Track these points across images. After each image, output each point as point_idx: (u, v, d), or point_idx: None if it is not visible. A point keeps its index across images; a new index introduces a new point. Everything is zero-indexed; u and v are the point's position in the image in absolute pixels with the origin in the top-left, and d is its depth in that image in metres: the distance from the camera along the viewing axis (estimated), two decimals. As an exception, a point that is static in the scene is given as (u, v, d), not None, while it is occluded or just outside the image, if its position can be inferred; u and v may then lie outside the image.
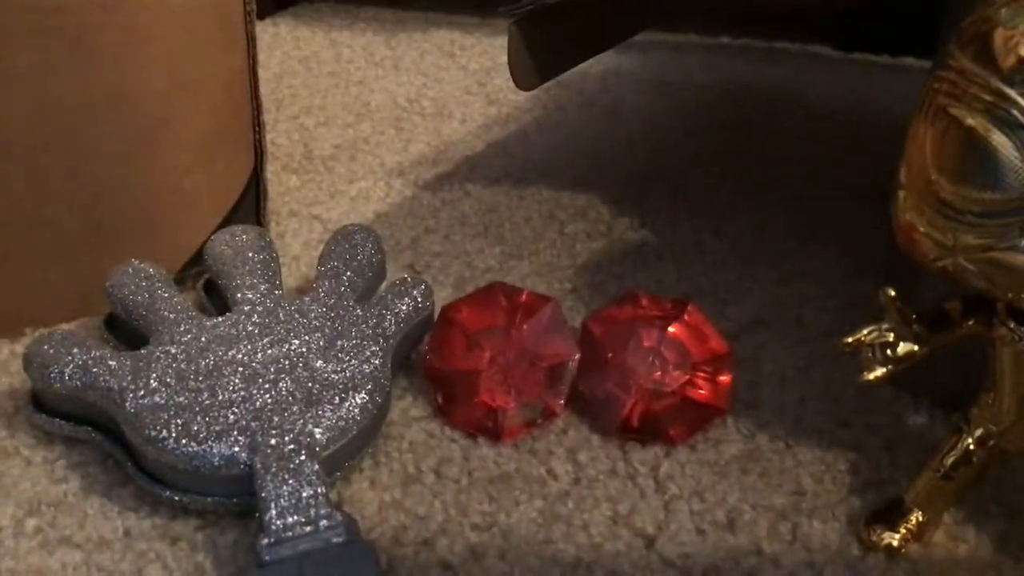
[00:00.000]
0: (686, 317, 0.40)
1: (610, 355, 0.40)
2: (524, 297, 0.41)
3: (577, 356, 0.40)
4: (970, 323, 0.32)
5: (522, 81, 0.47)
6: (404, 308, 0.41)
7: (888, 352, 0.31)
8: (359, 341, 0.38)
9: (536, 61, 0.47)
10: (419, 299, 0.41)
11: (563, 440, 0.39)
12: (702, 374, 0.40)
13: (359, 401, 0.36)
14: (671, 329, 0.40)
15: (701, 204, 0.57)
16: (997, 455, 0.33)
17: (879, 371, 0.31)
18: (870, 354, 0.31)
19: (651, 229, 0.55)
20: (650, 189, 0.59)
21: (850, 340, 0.31)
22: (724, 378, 0.40)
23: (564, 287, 0.49)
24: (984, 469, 0.34)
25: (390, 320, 0.40)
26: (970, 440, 0.33)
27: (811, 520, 0.35)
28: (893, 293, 0.31)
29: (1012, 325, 0.31)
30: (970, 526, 0.35)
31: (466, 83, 0.75)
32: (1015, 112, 0.26)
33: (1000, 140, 0.27)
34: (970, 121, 0.27)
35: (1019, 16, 0.27)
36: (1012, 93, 0.26)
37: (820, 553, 0.34)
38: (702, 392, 0.39)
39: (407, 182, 0.59)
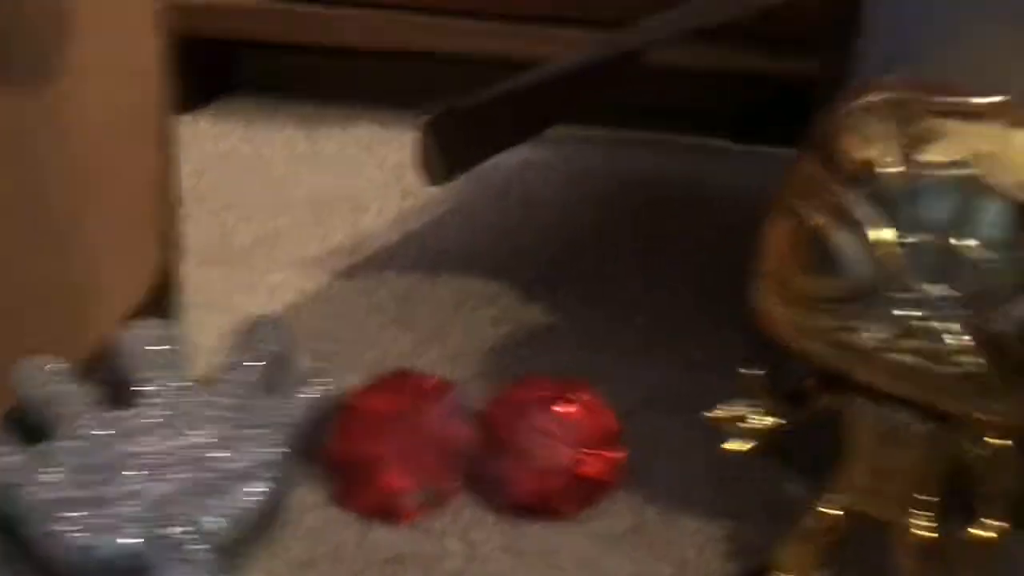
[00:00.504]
0: (579, 396, 0.43)
1: (504, 435, 0.42)
2: (427, 382, 0.43)
3: (472, 439, 0.42)
4: (826, 398, 0.35)
5: (432, 178, 0.50)
6: (308, 397, 0.42)
7: (752, 427, 0.34)
8: (262, 430, 0.40)
9: (446, 158, 0.50)
10: (324, 388, 0.43)
11: (458, 520, 0.41)
12: (593, 451, 0.42)
13: (257, 490, 0.37)
14: (562, 408, 0.42)
15: (609, 294, 0.60)
16: (856, 520, 0.36)
17: (742, 444, 0.34)
18: (736, 427, 0.34)
19: (560, 315, 0.58)
20: (561, 276, 0.62)
21: (716, 415, 0.34)
22: (614, 455, 0.42)
23: (471, 371, 0.51)
24: (844, 534, 0.36)
25: (294, 409, 0.41)
26: (828, 508, 0.36)
27: (692, 591, 0.38)
28: (757, 372, 0.34)
29: (865, 400, 0.33)
30: (839, 590, 0.38)
31: (383, 176, 0.78)
32: (856, 215, 0.30)
33: (843, 238, 0.30)
34: (816, 220, 0.30)
35: (863, 123, 0.30)
36: (852, 197, 0.30)
37: (701, 622, 0.36)
38: (592, 469, 0.41)
39: (324, 272, 0.62)
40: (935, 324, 0.29)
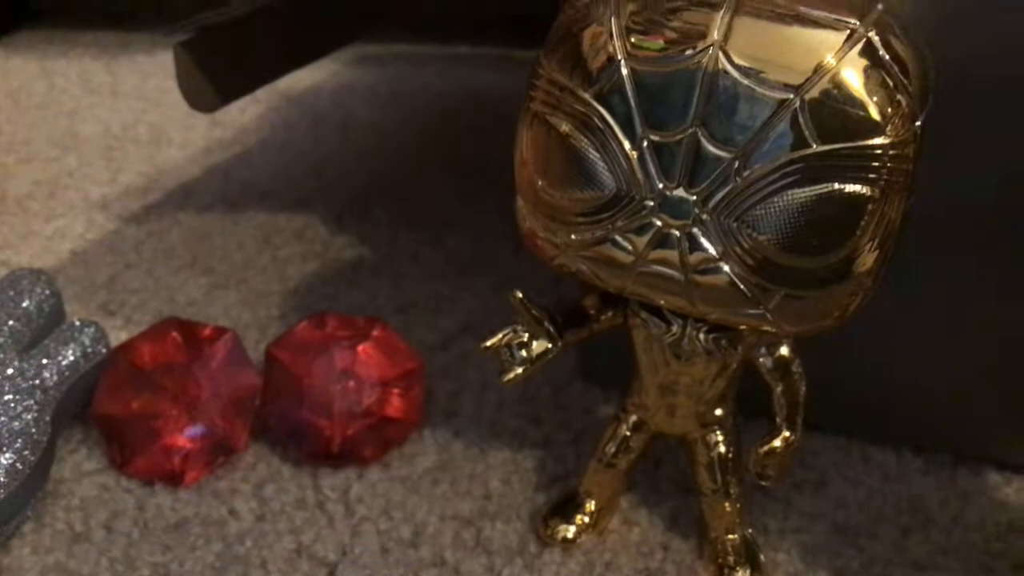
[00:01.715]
0: (375, 334, 0.40)
1: (296, 381, 0.39)
2: (201, 330, 0.39)
3: (258, 385, 0.39)
4: (607, 315, 0.33)
5: (199, 103, 0.45)
6: (69, 356, 0.38)
7: (524, 352, 0.32)
8: (12, 396, 0.36)
9: (216, 82, 0.45)
10: (88, 345, 0.39)
11: (250, 477, 0.38)
12: (395, 390, 0.39)
13: (5, 462, 0.33)
14: (357, 348, 0.39)
15: (423, 215, 0.57)
16: (654, 438, 0.35)
17: (517, 371, 0.32)
18: (508, 355, 0.32)
19: (369, 245, 0.55)
20: (373, 204, 0.59)
21: (487, 344, 0.32)
22: (416, 392, 0.40)
23: (271, 313, 0.48)
24: (645, 452, 0.35)
25: (51, 370, 0.37)
26: (625, 427, 0.35)
27: (495, 523, 0.36)
28: (521, 295, 0.32)
29: (644, 315, 0.32)
30: (643, 509, 0.37)
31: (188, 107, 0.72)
32: (595, 119, 0.27)
33: (589, 143, 0.28)
34: (564, 128, 0.28)
35: (596, 19, 0.27)
36: (593, 101, 0.27)
37: (499, 555, 0.35)
38: (392, 409, 0.39)
39: (111, 216, 0.56)
40: (685, 231, 0.27)
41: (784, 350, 0.32)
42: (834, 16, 0.26)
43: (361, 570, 0.34)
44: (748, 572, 0.34)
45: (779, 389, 0.32)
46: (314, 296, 0.49)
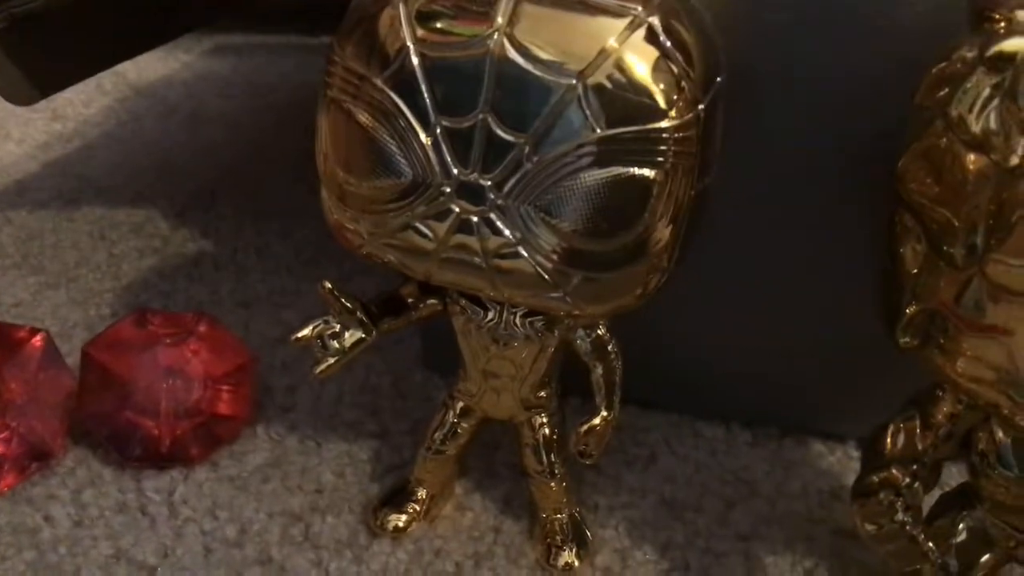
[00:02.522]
0: (202, 329, 0.39)
1: (126, 381, 0.37)
2: (13, 332, 0.37)
3: (74, 388, 0.37)
4: (426, 303, 0.33)
5: (15, 97, 0.43)
6: None
7: (336, 343, 0.31)
8: None
9: (31, 74, 0.43)
10: None
11: (68, 481, 0.36)
12: (224, 387, 0.38)
13: None
14: (188, 344, 0.38)
15: (271, 208, 0.56)
16: (482, 423, 0.35)
17: (330, 361, 0.31)
18: (321, 347, 0.31)
19: (213, 239, 0.53)
20: (220, 197, 0.57)
21: (298, 335, 0.31)
22: (246, 388, 0.39)
23: (102, 312, 0.46)
24: (474, 437, 0.35)
25: None
26: (452, 414, 0.35)
27: (325, 517, 0.36)
28: (330, 285, 0.31)
29: (462, 302, 0.32)
30: (477, 493, 0.37)
31: (27, 99, 0.69)
32: (389, 106, 0.27)
33: (384, 131, 0.28)
34: (360, 116, 0.28)
35: (380, 4, 0.27)
36: (386, 87, 0.27)
37: (327, 549, 0.34)
38: (225, 406, 0.38)
39: (-65, 216, 0.53)
40: (482, 216, 0.27)
41: (600, 331, 0.32)
42: (617, 2, 0.27)
43: (182, 572, 0.33)
44: (574, 550, 0.35)
45: (597, 369, 0.32)
46: (149, 293, 0.48)
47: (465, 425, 0.35)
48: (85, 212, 0.54)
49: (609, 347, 0.32)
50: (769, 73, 0.33)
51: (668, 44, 0.26)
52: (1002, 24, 0.25)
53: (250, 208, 0.55)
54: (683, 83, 0.27)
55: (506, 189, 0.27)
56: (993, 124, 0.24)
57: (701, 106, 0.27)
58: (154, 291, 0.48)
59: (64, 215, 0.54)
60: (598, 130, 0.26)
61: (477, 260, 0.28)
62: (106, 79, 0.71)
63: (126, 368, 0.38)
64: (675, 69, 0.26)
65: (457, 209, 0.28)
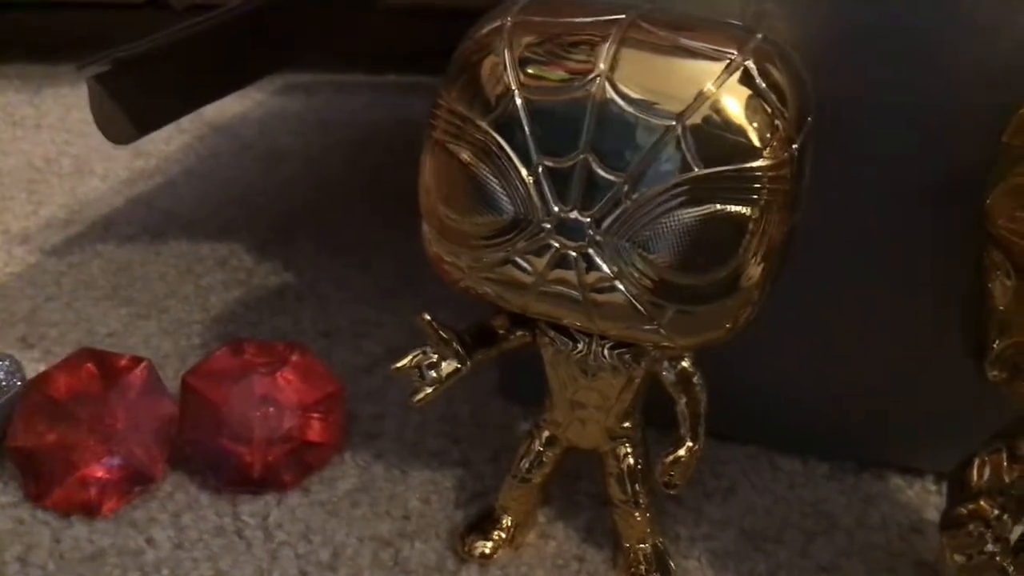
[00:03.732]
0: (294, 359, 0.40)
1: (222, 408, 0.39)
2: (116, 360, 0.39)
3: (175, 415, 0.39)
4: (516, 335, 0.34)
5: (115, 135, 0.45)
6: (-19, 389, 0.38)
7: (434, 373, 0.33)
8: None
9: (130, 113, 0.45)
10: (2, 378, 0.39)
11: (167, 505, 0.38)
12: (315, 415, 0.40)
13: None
14: (275, 373, 0.40)
15: (348, 241, 0.58)
16: (567, 452, 0.36)
17: (427, 391, 0.33)
18: (419, 376, 0.33)
19: (294, 272, 0.55)
20: (298, 231, 0.59)
21: (397, 365, 0.33)
22: (336, 416, 0.40)
23: (192, 343, 0.48)
24: (559, 466, 0.36)
25: (-39, 405, 0.37)
26: (538, 443, 0.36)
27: (413, 542, 0.37)
28: (428, 317, 0.32)
29: (551, 334, 0.33)
30: (560, 522, 0.38)
31: (112, 137, 0.72)
32: (493, 147, 0.28)
33: (488, 170, 0.29)
34: (464, 156, 0.29)
35: (490, 47, 0.29)
36: (490, 129, 0.28)
37: (416, 574, 0.35)
38: (312, 434, 0.40)
39: (31, 249, 0.56)
40: (581, 252, 0.28)
41: (686, 363, 0.33)
42: (713, 47, 0.28)
43: (280, 594, 0.34)
44: (659, 579, 0.35)
45: (682, 401, 0.33)
46: (236, 324, 0.50)
47: (550, 454, 0.36)
48: (171, 246, 0.56)
49: (695, 379, 0.33)
50: (856, 110, 0.34)
51: (763, 86, 0.28)
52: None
53: (328, 242, 0.57)
54: (777, 123, 0.28)
55: (604, 226, 0.28)
56: None
57: (795, 145, 0.28)
58: (241, 322, 0.50)
59: (151, 248, 0.56)
60: (696, 169, 0.27)
61: (575, 293, 0.29)
62: (185, 118, 0.74)
63: (222, 396, 0.39)
64: (769, 110, 0.28)
65: (556, 245, 0.29)
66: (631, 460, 0.35)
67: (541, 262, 0.29)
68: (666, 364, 0.33)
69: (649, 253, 0.28)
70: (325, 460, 0.40)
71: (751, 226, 0.28)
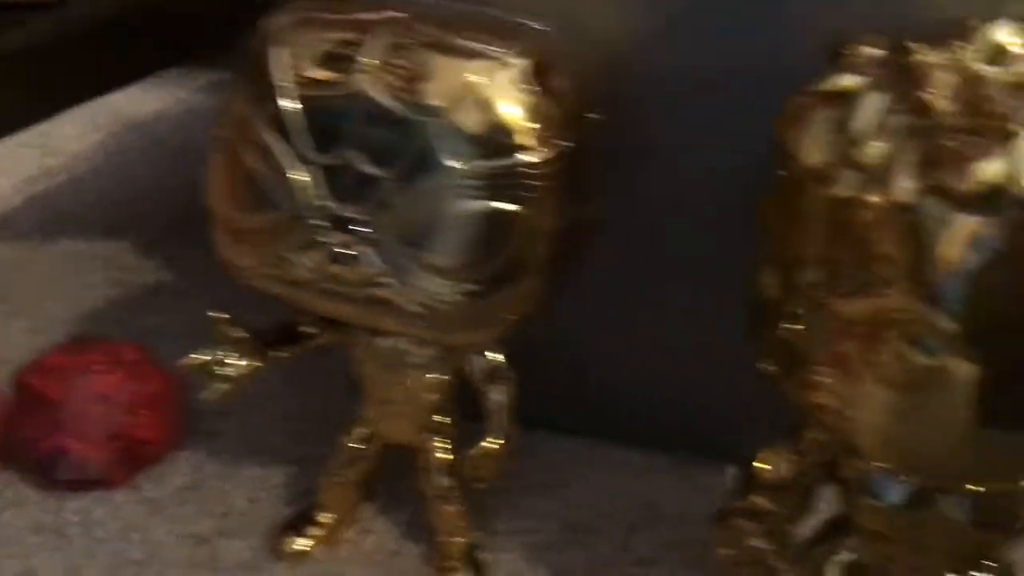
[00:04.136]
0: (129, 357, 0.40)
1: (54, 405, 0.39)
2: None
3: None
4: (323, 332, 0.34)
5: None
6: None
7: (227, 371, 0.33)
8: None
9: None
10: None
11: (-9, 502, 0.38)
12: (147, 412, 0.40)
13: None
14: (113, 372, 0.40)
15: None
16: (381, 449, 0.36)
17: (219, 388, 0.33)
18: (212, 374, 0.33)
19: (176, 271, 0.55)
20: (192, 230, 0.59)
21: (187, 363, 0.33)
22: (171, 413, 0.40)
23: (58, 341, 0.48)
24: (374, 462, 0.36)
25: None
26: (353, 440, 0.36)
27: (232, 540, 0.37)
28: (220, 315, 0.32)
29: (357, 330, 0.33)
30: (382, 518, 0.38)
31: (24, 136, 0.72)
32: (269, 144, 0.28)
33: (265, 168, 0.29)
34: (243, 153, 0.29)
35: (274, 44, 0.28)
36: (266, 127, 0.28)
37: (228, 571, 0.35)
38: (148, 431, 0.40)
39: (-86, 250, 0.56)
40: (355, 249, 0.28)
41: (493, 357, 0.33)
42: (484, 45, 0.28)
43: (86, 591, 0.34)
44: (470, 573, 0.35)
45: (489, 395, 0.33)
46: (105, 322, 0.50)
47: (366, 450, 0.36)
48: (62, 244, 0.56)
49: (502, 372, 0.33)
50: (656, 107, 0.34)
51: (533, 85, 0.27)
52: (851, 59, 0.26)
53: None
54: (547, 121, 0.27)
55: (375, 223, 0.28)
56: (829, 157, 0.24)
57: (566, 143, 0.28)
58: (109, 321, 0.50)
59: (42, 247, 0.56)
60: (460, 166, 0.27)
61: (352, 291, 0.29)
62: (100, 115, 0.74)
63: (55, 393, 0.39)
64: (539, 108, 0.27)
65: (332, 242, 0.29)
66: (443, 455, 0.35)
67: (318, 260, 0.29)
68: (473, 358, 0.33)
69: (420, 251, 0.28)
70: (158, 457, 0.40)
71: (520, 222, 0.27)
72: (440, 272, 0.28)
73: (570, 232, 0.29)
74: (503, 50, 0.28)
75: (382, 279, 0.29)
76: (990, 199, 0.20)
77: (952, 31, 0.22)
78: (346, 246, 0.28)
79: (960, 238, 0.21)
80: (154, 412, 0.40)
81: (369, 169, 0.28)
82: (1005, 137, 0.20)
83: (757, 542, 0.28)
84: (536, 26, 0.28)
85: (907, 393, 0.22)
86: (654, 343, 0.39)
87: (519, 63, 0.27)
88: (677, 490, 0.39)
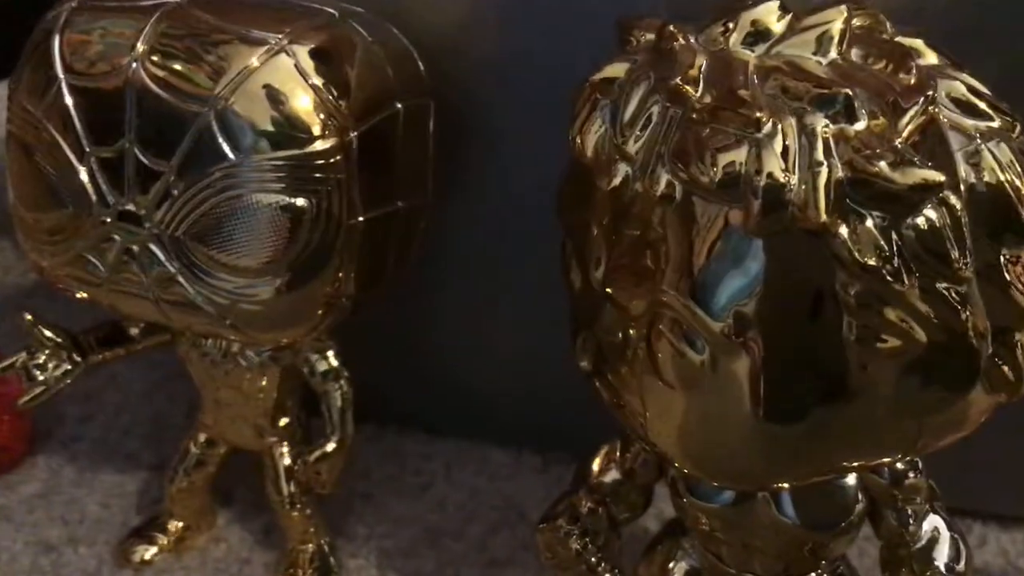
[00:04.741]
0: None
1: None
2: None
3: None
4: (151, 334, 0.33)
5: None
6: None
7: (42, 375, 0.32)
8: None
9: None
10: None
11: None
12: (6, 418, 0.39)
13: None
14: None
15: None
16: (228, 454, 0.35)
17: (35, 392, 0.32)
18: (27, 378, 0.32)
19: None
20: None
21: (3, 366, 0.32)
22: (20, 422, 0.39)
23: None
24: (220, 467, 0.35)
25: None
26: (194, 444, 0.35)
27: (78, 548, 0.36)
28: (31, 318, 0.31)
29: (186, 332, 0.32)
30: (237, 524, 0.37)
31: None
32: (47, 137, 0.27)
33: (47, 163, 0.28)
34: (30, 149, 0.28)
35: (66, 28, 0.27)
36: (44, 119, 0.27)
37: (68, 581, 0.34)
38: (3, 438, 0.39)
39: None
40: (143, 246, 0.27)
41: (329, 357, 0.32)
42: (260, 31, 0.27)
43: (-82, 604, 0.33)
44: (315, 581, 0.34)
45: (327, 396, 0.32)
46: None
47: (210, 455, 0.35)
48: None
49: (336, 373, 0.32)
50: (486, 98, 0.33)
51: (311, 71, 0.26)
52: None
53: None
54: (329, 110, 0.26)
55: (158, 218, 0.27)
56: (602, 147, 0.23)
57: (353, 133, 0.27)
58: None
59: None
60: (233, 157, 0.26)
61: (143, 290, 0.28)
62: None
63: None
64: (320, 96, 0.26)
65: (119, 238, 0.28)
66: (287, 460, 0.34)
67: (107, 257, 0.28)
68: (309, 359, 0.32)
69: (207, 247, 0.27)
70: (12, 463, 0.39)
71: (306, 215, 0.26)
72: (235, 270, 0.27)
73: (386, 222, 0.29)
74: (285, 37, 0.26)
75: (170, 277, 0.27)
76: (735, 188, 0.19)
77: (720, 12, 0.21)
78: (134, 243, 0.27)
79: (713, 230, 0.20)
80: (11, 417, 0.39)
81: (145, 162, 0.26)
82: (751, 125, 0.19)
83: (576, 544, 0.28)
84: (328, 10, 0.27)
85: (687, 392, 0.22)
86: (517, 340, 0.38)
87: (301, 50, 0.26)
88: (543, 490, 0.38)
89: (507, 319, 0.38)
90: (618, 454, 0.29)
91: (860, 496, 0.26)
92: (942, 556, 0.26)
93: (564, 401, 0.40)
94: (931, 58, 0.23)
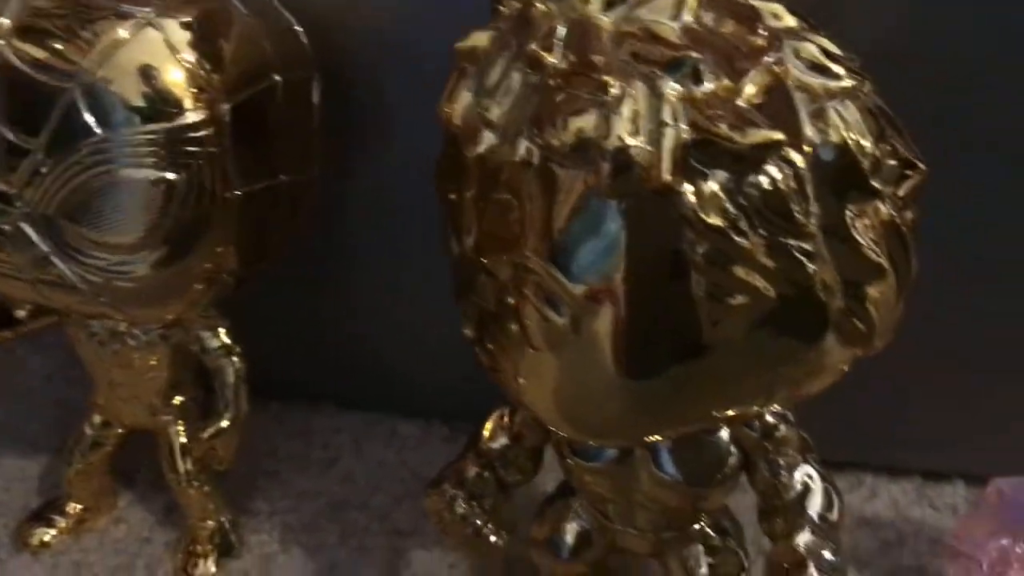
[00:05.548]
0: None
1: None
2: None
3: None
4: (40, 314, 0.32)
5: None
6: None
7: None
8: None
9: None
10: None
11: None
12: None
13: None
14: None
15: None
16: (124, 435, 0.35)
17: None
18: None
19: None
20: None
21: None
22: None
23: None
24: (117, 448, 0.35)
25: None
26: (88, 426, 0.34)
27: (-28, 535, 0.35)
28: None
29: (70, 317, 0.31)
30: (139, 505, 0.37)
31: None
32: None
33: None
34: None
35: None
36: None
37: (-38, 566, 0.34)
38: None
39: None
40: (14, 226, 0.27)
41: (220, 334, 0.32)
42: (129, 6, 0.26)
43: None
44: (215, 558, 0.34)
45: (219, 373, 0.32)
46: None
47: (106, 436, 0.35)
48: None
49: (228, 349, 0.32)
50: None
51: (181, 44, 0.26)
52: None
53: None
54: (199, 83, 0.26)
55: (28, 196, 0.26)
56: (469, 115, 0.23)
57: (226, 106, 0.27)
58: None
59: None
60: (101, 131, 0.26)
61: (19, 272, 0.28)
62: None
63: None
64: (190, 69, 0.26)
65: (-5, 222, 0.27)
66: (182, 438, 0.34)
67: (-17, 242, 0.27)
68: (200, 336, 0.32)
69: (77, 224, 0.26)
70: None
71: (177, 188, 0.26)
72: (108, 247, 0.26)
73: (268, 195, 0.28)
74: (154, 10, 0.26)
75: (44, 257, 0.27)
76: (587, 152, 0.20)
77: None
78: (9, 223, 0.27)
79: (572, 194, 0.20)
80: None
81: (13, 140, 0.26)
82: (602, 89, 0.20)
83: (461, 509, 0.28)
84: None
85: (553, 354, 0.22)
86: (423, 312, 0.38)
87: (172, 22, 0.26)
88: (450, 459, 0.39)
89: (411, 292, 0.38)
90: (507, 419, 0.30)
91: (733, 449, 0.27)
92: (814, 506, 0.27)
93: (471, 371, 0.40)
94: (788, 21, 0.24)
